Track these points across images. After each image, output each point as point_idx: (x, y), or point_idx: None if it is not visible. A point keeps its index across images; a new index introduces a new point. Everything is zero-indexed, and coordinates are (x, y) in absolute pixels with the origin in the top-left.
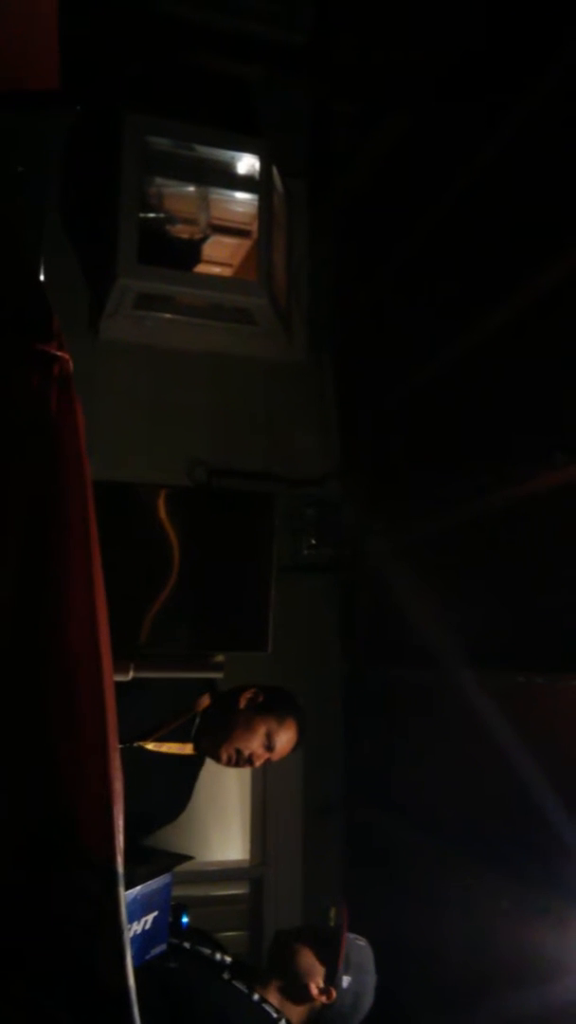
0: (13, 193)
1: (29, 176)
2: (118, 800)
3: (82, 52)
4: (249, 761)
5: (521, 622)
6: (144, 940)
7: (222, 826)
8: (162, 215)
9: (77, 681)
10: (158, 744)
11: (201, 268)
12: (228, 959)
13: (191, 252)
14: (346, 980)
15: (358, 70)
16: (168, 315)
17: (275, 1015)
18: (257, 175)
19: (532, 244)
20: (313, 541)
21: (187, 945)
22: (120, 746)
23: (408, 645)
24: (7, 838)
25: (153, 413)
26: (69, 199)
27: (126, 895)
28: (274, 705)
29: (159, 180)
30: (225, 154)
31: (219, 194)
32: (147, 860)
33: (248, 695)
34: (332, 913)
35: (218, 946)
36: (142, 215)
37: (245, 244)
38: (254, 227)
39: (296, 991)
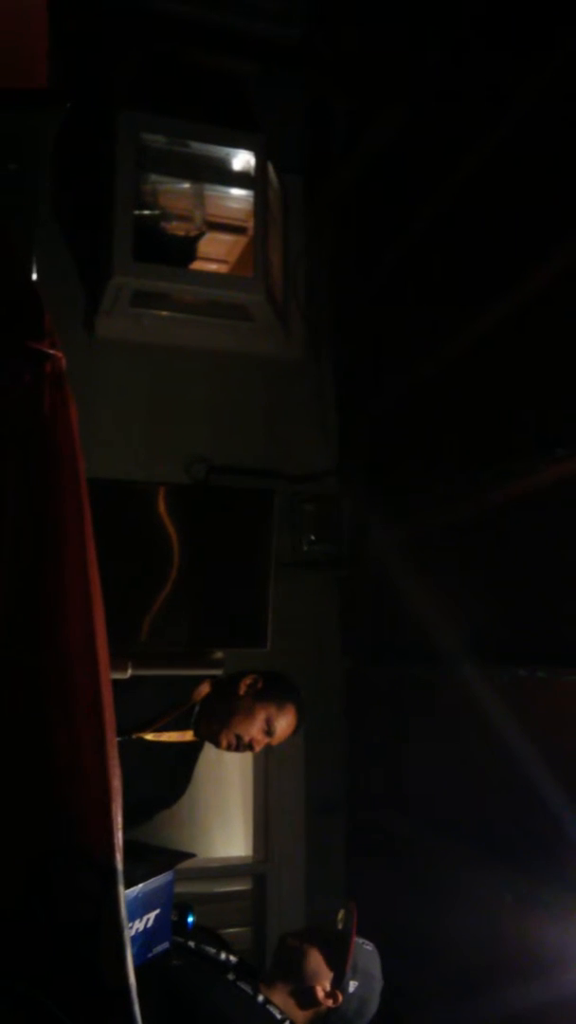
0: (5, 191)
1: (21, 174)
2: (116, 797)
3: (75, 49)
4: (249, 746)
5: (522, 616)
6: (146, 938)
7: (225, 822)
8: (157, 212)
9: (74, 679)
10: (157, 734)
11: (197, 265)
12: (233, 959)
13: (187, 249)
14: (353, 985)
15: (354, 64)
16: (164, 312)
17: (279, 1017)
18: (253, 171)
19: (532, 237)
20: (313, 537)
21: (192, 944)
22: (119, 739)
23: (409, 640)
24: (5, 837)
25: (150, 410)
26: (64, 197)
27: (127, 893)
28: (273, 690)
29: (154, 177)
30: (220, 150)
31: (215, 190)
32: (148, 858)
33: (247, 681)
34: (341, 916)
35: (224, 945)
36: (137, 212)
37: (241, 240)
38: (250, 223)
39: (302, 994)
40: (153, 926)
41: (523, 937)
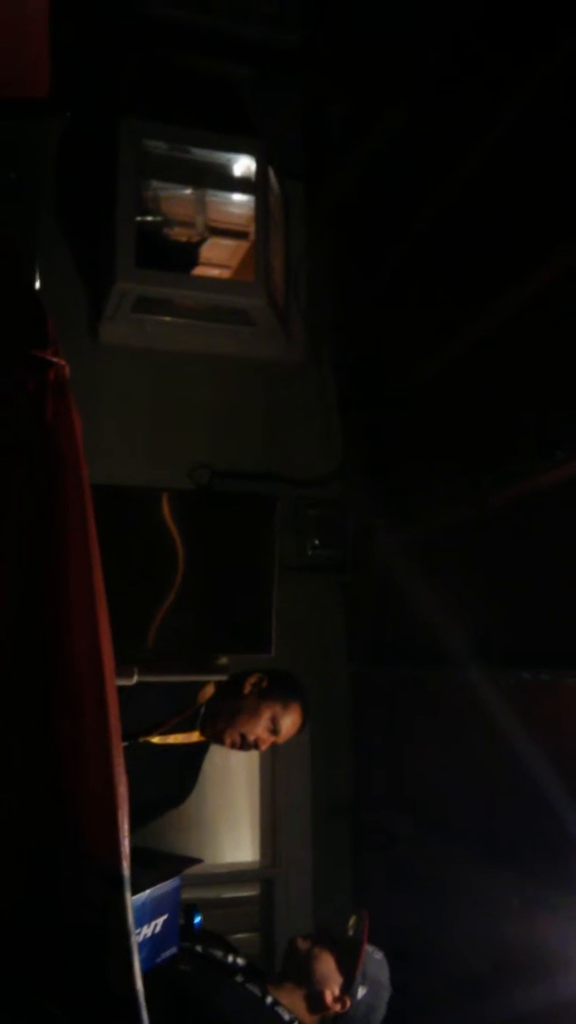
0: (6, 200)
1: (21, 182)
2: (123, 805)
3: (75, 57)
4: (255, 745)
5: (526, 618)
6: (154, 944)
7: (232, 827)
8: (159, 218)
9: (79, 687)
10: (163, 737)
11: (199, 270)
12: (241, 962)
13: (189, 255)
14: (361, 991)
15: (352, 67)
16: (167, 318)
17: (288, 1018)
18: (253, 176)
19: (533, 237)
20: (317, 541)
21: (199, 948)
22: (126, 744)
23: (414, 643)
24: (12, 845)
25: (154, 416)
26: (67, 204)
27: (135, 900)
28: (278, 689)
29: (155, 183)
30: (221, 156)
31: (216, 196)
32: (156, 864)
33: (252, 680)
34: (352, 922)
35: (230, 948)
36: (139, 219)
37: (243, 245)
38: (251, 228)
39: (311, 997)
40: (161, 931)
41: (529, 940)
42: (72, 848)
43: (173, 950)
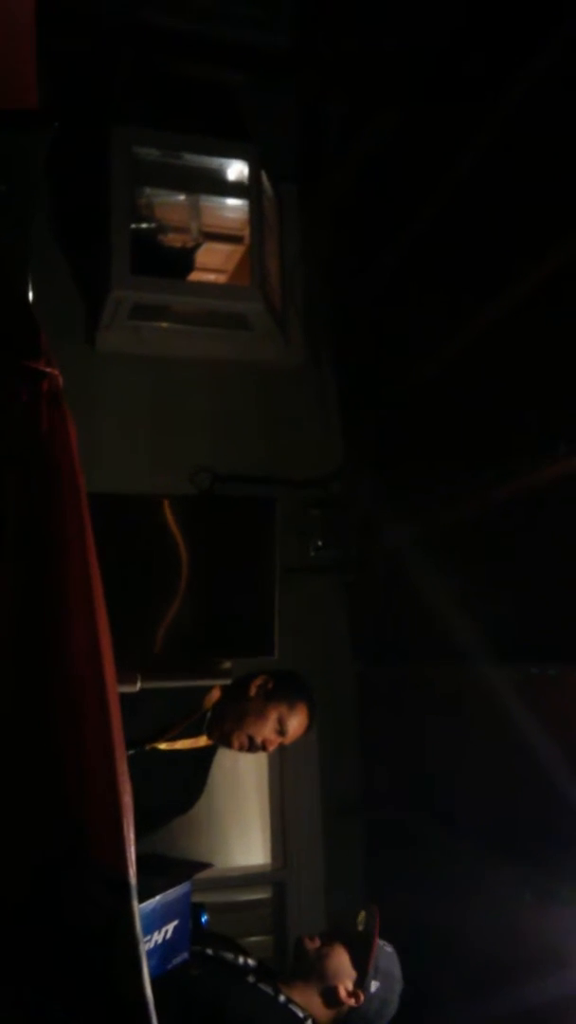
0: None
1: (12, 195)
2: (128, 813)
3: (65, 65)
4: (262, 747)
5: (531, 613)
6: (165, 950)
7: (242, 831)
8: (153, 225)
9: (81, 697)
10: (171, 743)
11: (195, 276)
12: (252, 962)
13: (184, 260)
14: (374, 985)
15: (344, 69)
16: (164, 324)
17: (302, 1015)
18: (247, 180)
19: (529, 235)
20: (320, 542)
21: (209, 951)
22: (133, 751)
23: (420, 641)
24: (17, 854)
25: (153, 422)
26: (60, 213)
27: (144, 906)
28: (284, 690)
29: (149, 190)
30: (214, 161)
31: (210, 201)
32: (165, 870)
33: (258, 682)
34: (362, 917)
35: (241, 950)
36: (134, 226)
37: (238, 250)
38: (246, 233)
39: (324, 992)
40: (172, 937)
41: (541, 934)
42: (76, 855)
43: (184, 955)
